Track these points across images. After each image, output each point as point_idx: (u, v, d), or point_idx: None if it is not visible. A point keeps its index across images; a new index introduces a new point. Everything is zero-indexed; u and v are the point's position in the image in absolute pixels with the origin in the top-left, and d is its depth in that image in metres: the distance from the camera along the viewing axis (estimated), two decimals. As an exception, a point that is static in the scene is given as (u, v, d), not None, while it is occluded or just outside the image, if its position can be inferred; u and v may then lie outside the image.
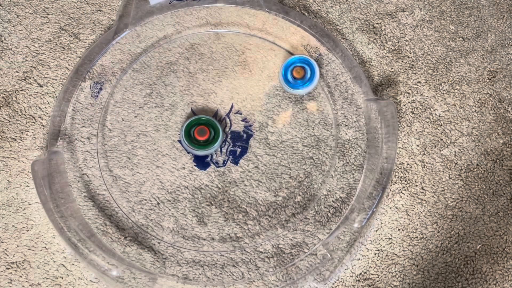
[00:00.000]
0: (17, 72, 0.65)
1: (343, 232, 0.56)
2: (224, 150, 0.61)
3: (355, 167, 0.60)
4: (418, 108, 0.64)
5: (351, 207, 0.58)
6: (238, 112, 0.63)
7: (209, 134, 0.60)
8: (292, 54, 0.66)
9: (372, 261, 0.57)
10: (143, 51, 0.66)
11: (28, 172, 0.59)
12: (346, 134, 0.62)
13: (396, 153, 0.60)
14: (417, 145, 0.62)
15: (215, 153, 0.60)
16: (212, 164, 0.60)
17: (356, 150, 0.61)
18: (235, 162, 0.60)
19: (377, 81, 0.66)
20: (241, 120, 0.62)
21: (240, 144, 0.61)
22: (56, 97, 0.63)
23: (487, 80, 0.66)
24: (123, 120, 0.62)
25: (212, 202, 0.58)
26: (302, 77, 0.61)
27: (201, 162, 0.60)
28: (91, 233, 0.56)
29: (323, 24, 0.69)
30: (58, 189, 0.56)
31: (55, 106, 0.62)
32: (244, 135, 0.62)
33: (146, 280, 0.53)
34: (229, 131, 0.62)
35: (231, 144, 0.61)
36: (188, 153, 0.60)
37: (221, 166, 0.60)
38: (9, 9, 0.68)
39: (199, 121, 0.60)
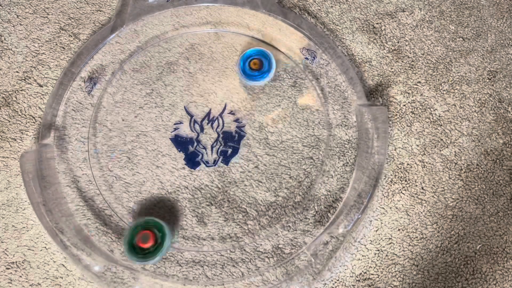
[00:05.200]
0: (17, 72, 0.65)
1: (334, 232, 0.55)
2: (215, 149, 0.61)
3: (355, 167, 0.60)
4: (418, 108, 0.64)
5: (341, 208, 0.58)
6: (231, 112, 0.63)
7: (155, 241, 0.51)
8: (288, 56, 0.66)
9: (372, 261, 0.57)
10: (140, 48, 0.66)
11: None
12: (346, 134, 0.62)
13: (386, 157, 0.60)
14: (417, 145, 0.62)
15: (206, 153, 0.60)
16: (202, 163, 0.60)
17: (356, 150, 0.61)
18: (226, 162, 0.60)
19: (377, 81, 0.66)
20: (234, 121, 0.62)
21: (231, 144, 0.61)
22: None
23: (487, 80, 0.66)
24: (123, 120, 0.62)
25: (212, 202, 0.58)
26: (259, 69, 0.62)
27: (191, 161, 0.60)
28: (85, 236, 0.56)
29: (322, 25, 0.69)
30: (50, 191, 0.56)
31: (48, 101, 0.62)
32: (236, 136, 0.62)
33: (132, 276, 0.53)
34: (221, 131, 0.62)
35: (223, 144, 0.61)
36: None
37: (211, 166, 0.60)
38: (9, 9, 0.68)
39: (143, 225, 0.53)
